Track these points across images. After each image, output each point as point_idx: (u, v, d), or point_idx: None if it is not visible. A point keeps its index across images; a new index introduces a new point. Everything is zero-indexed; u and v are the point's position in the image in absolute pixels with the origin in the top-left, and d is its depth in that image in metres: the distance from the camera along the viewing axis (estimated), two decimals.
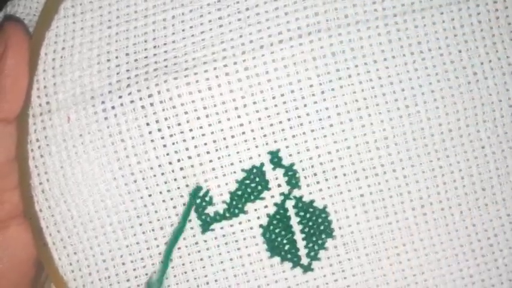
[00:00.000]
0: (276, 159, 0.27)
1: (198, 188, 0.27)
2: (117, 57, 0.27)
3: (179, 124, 0.27)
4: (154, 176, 0.27)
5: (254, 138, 0.27)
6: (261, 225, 0.28)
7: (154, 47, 0.27)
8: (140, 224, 0.28)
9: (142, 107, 0.27)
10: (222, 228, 0.28)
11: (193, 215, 0.28)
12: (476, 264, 0.29)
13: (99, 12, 0.28)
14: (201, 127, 0.27)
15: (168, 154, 0.27)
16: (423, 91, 0.28)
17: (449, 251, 0.29)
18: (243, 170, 0.27)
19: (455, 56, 0.28)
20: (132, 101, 0.27)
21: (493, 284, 0.29)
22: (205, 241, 0.28)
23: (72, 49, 0.28)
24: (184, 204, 0.27)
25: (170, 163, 0.27)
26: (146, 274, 0.28)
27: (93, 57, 0.27)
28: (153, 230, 0.28)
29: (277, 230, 0.28)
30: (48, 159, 0.28)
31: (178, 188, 0.27)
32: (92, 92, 0.27)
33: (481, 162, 0.28)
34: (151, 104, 0.27)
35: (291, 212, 0.28)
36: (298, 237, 0.28)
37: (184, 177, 0.27)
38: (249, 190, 0.27)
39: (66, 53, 0.28)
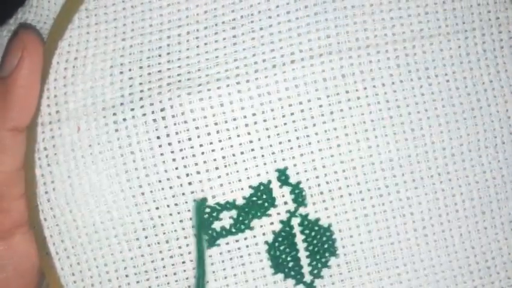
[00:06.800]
0: (283, 176, 0.28)
1: (201, 203, 0.27)
2: (130, 70, 0.27)
3: (190, 139, 0.27)
4: (163, 189, 0.27)
5: (263, 156, 0.27)
6: (266, 242, 0.28)
7: (168, 61, 0.27)
8: (146, 237, 0.28)
9: (154, 120, 0.27)
10: (227, 243, 0.28)
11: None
12: (474, 286, 0.29)
13: (114, 24, 0.28)
14: (211, 143, 0.27)
15: (177, 168, 0.27)
16: (428, 115, 0.28)
17: (448, 272, 0.29)
18: (250, 187, 0.28)
19: (461, 83, 0.28)
20: (144, 114, 0.27)
21: None
22: (211, 256, 0.28)
23: (84, 59, 0.28)
24: (190, 219, 0.28)
25: (179, 177, 0.27)
26: (149, 287, 0.28)
27: (106, 68, 0.28)
28: (158, 243, 0.28)
29: (282, 247, 0.28)
30: (56, 168, 0.28)
31: (186, 202, 0.27)
32: (103, 104, 0.27)
33: (481, 187, 0.29)
34: (163, 118, 0.27)
35: (296, 229, 0.28)
36: (302, 254, 0.28)
37: (192, 192, 0.27)
38: (255, 207, 0.28)
39: (79, 63, 0.28)
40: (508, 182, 0.29)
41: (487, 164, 0.29)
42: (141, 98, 0.27)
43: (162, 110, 0.27)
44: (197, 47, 0.27)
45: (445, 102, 0.28)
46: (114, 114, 0.27)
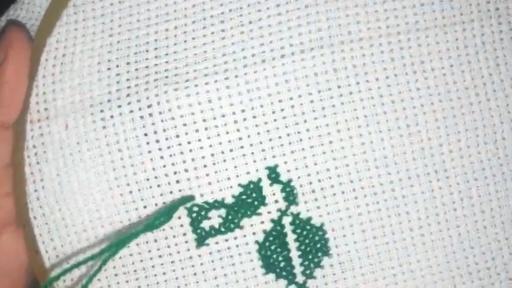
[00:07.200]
0: (273, 174, 0.27)
1: (189, 198, 0.27)
2: (117, 66, 0.27)
3: (177, 136, 0.26)
4: (150, 187, 0.27)
5: (252, 153, 0.27)
6: (256, 241, 0.27)
7: (156, 57, 0.27)
8: None
9: (141, 117, 0.26)
10: (217, 243, 0.27)
11: (188, 228, 0.27)
12: (473, 287, 0.28)
13: (101, 20, 0.27)
14: (199, 140, 0.27)
15: (164, 166, 0.27)
16: (424, 111, 0.27)
17: (446, 273, 0.28)
18: (239, 185, 0.27)
19: (458, 76, 0.28)
20: (131, 111, 0.27)
21: None
22: (200, 256, 0.27)
23: (72, 56, 0.27)
24: (179, 218, 0.27)
25: (166, 175, 0.27)
26: (139, 286, 0.28)
27: (94, 65, 0.27)
28: (147, 242, 0.27)
29: (273, 247, 0.27)
30: (45, 166, 0.27)
31: (174, 201, 0.27)
32: (91, 100, 0.27)
33: (481, 185, 0.28)
34: (150, 115, 0.26)
35: (288, 228, 0.27)
36: (294, 254, 0.27)
37: (180, 191, 0.27)
38: (245, 205, 0.27)
39: (67, 60, 0.27)
40: (509, 179, 0.28)
41: (487, 160, 0.28)
42: (128, 95, 0.27)
43: (149, 106, 0.26)
44: (185, 41, 0.27)
45: (442, 96, 0.27)
46: (102, 111, 0.27)
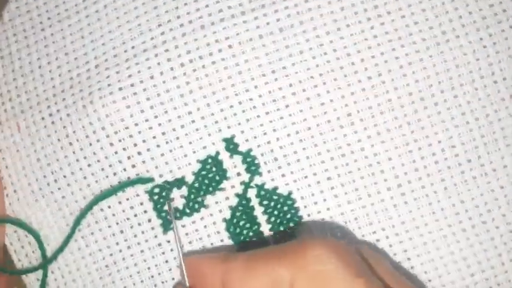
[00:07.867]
0: (231, 145, 0.25)
1: (147, 179, 0.25)
2: (57, 59, 0.26)
3: (122, 120, 0.25)
4: (107, 177, 0.26)
5: (205, 126, 0.25)
6: (224, 219, 0.26)
7: (92, 41, 0.26)
8: (100, 230, 0.26)
9: (84, 106, 0.25)
10: (183, 226, 0.26)
11: (152, 214, 0.26)
12: (470, 245, 0.26)
13: (28, 16, 0.27)
14: (146, 120, 0.25)
15: (116, 152, 0.26)
16: (386, 59, 0.25)
17: (436, 233, 0.26)
18: (198, 161, 0.26)
19: (420, 16, 0.25)
20: (74, 102, 0.26)
21: (493, 265, 0.26)
22: (169, 241, 0.26)
23: (10, 57, 0.27)
24: (141, 204, 0.26)
25: (120, 162, 0.26)
26: (113, 282, 0.26)
27: (34, 61, 0.27)
28: (113, 235, 0.26)
29: (241, 223, 0.26)
30: (5, 173, 0.27)
31: (133, 186, 0.26)
32: (37, 98, 0.26)
33: (462, 131, 0.25)
34: (91, 102, 0.25)
35: (254, 201, 0.26)
36: (265, 228, 0.26)
37: (137, 175, 0.26)
38: (206, 181, 0.26)
39: (6, 62, 0.27)
40: (495, 121, 0.25)
41: (466, 104, 0.25)
42: (71, 86, 0.26)
43: (90, 94, 0.25)
44: (117, 18, 0.26)
45: (403, 41, 0.25)
46: (48, 106, 0.26)
